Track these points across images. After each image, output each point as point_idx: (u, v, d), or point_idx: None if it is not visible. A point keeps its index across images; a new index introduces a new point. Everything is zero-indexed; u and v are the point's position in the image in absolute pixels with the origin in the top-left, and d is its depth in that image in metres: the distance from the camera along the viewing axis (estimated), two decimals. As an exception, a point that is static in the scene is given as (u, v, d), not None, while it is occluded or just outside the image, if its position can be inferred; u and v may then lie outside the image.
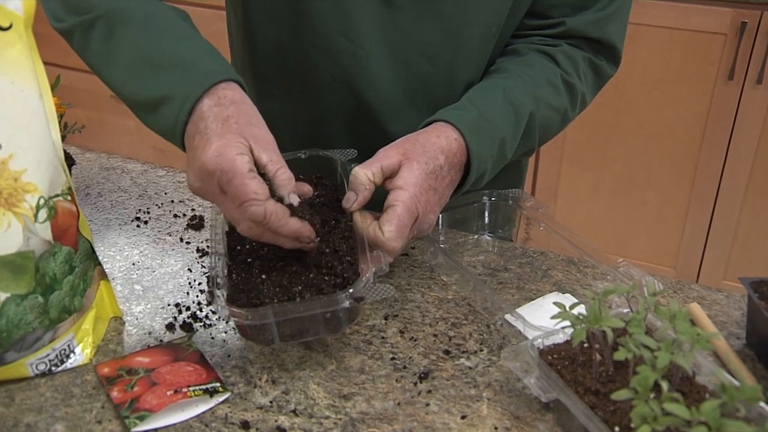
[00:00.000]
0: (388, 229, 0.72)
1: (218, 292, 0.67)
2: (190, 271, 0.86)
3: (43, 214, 0.67)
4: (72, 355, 0.71)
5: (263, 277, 0.70)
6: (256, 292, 0.68)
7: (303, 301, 0.66)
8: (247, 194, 0.65)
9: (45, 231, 0.67)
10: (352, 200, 0.76)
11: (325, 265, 0.71)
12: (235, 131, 0.68)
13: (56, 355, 0.70)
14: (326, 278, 0.69)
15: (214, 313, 0.79)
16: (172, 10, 0.80)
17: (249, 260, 0.73)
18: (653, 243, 2.19)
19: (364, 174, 0.75)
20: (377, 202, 0.77)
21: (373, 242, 0.73)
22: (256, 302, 0.67)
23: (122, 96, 0.78)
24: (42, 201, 0.67)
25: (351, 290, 0.66)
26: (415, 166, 0.76)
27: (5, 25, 0.65)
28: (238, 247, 0.75)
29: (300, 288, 0.68)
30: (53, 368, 0.70)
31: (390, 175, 0.77)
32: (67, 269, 0.70)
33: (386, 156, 0.77)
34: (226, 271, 0.71)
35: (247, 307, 0.66)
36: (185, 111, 0.71)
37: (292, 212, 0.68)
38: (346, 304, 0.66)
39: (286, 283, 0.69)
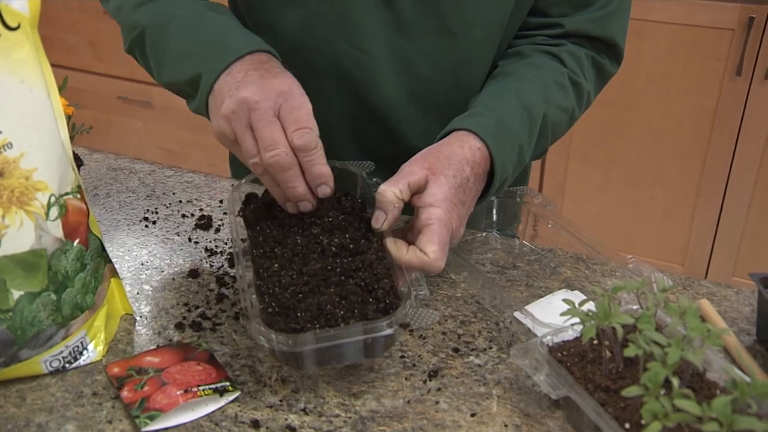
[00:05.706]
0: (432, 249, 0.70)
1: (253, 316, 0.64)
2: (199, 270, 0.87)
3: (54, 212, 0.68)
4: (85, 352, 0.72)
5: (299, 297, 0.67)
6: (294, 316, 0.65)
7: (346, 327, 0.63)
8: (308, 121, 0.69)
9: (56, 229, 0.68)
10: (382, 220, 0.73)
11: (365, 288, 0.68)
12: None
13: (69, 352, 0.70)
14: (368, 302, 0.67)
15: (222, 311, 0.79)
16: (203, 5, 0.84)
17: (279, 279, 0.69)
18: (662, 239, 2.18)
19: (392, 192, 0.72)
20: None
21: (418, 267, 0.70)
22: (295, 327, 0.64)
23: (173, 86, 0.83)
24: (53, 199, 0.67)
25: (395, 317, 0.63)
26: (443, 180, 0.74)
27: (13, 25, 0.65)
28: (266, 264, 0.71)
29: (342, 313, 0.65)
30: (67, 365, 0.70)
31: (417, 191, 0.74)
32: (78, 267, 0.70)
33: (412, 172, 0.74)
34: (254, 295, 0.68)
35: (286, 332, 0.63)
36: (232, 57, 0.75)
37: None
38: (391, 331, 0.63)
39: (327, 306, 0.65)
